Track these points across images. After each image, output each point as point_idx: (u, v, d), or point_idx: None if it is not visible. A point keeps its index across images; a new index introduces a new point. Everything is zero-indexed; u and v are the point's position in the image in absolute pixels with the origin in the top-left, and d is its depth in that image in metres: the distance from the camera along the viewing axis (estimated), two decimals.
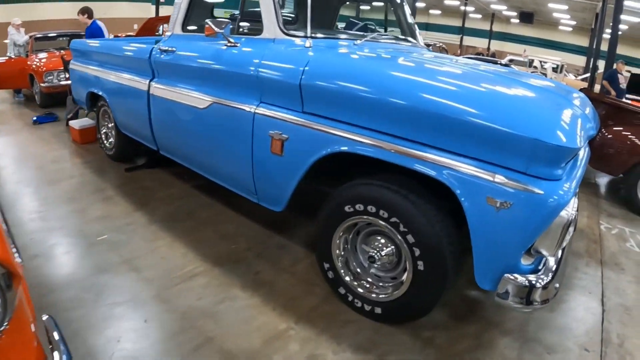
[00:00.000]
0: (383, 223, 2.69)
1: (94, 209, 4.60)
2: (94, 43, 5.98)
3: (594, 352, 3.13)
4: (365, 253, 3.03)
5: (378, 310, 2.97)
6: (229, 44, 3.50)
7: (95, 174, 5.65)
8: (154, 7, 18.25)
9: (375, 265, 3.01)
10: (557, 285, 2.42)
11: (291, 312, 3.16)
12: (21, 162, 6.22)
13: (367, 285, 3.04)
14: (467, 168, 2.28)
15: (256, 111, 3.22)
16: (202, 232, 4.20)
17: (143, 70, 4.59)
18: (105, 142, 6.20)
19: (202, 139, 3.90)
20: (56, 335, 1.77)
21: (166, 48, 4.18)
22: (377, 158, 2.60)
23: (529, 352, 3.00)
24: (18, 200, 4.79)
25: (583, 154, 3.14)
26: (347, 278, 3.09)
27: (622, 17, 15.86)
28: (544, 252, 2.35)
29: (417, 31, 4.62)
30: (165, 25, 8.66)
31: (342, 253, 3.09)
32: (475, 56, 19.89)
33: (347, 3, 5.31)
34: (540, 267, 2.40)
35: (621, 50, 25.64)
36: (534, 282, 2.28)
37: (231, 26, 3.53)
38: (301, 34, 3.29)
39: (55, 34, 11.50)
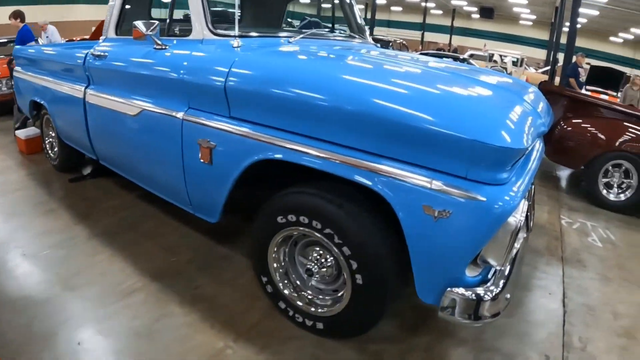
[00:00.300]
0: (318, 235, 2.48)
1: (35, 224, 4.33)
2: (34, 49, 5.69)
3: (555, 358, 2.98)
4: (303, 265, 2.82)
5: (320, 325, 2.78)
6: (157, 47, 3.27)
7: (39, 186, 5.36)
8: None
9: (315, 278, 2.82)
10: (508, 296, 2.24)
11: (230, 329, 2.95)
12: None
13: (308, 300, 2.85)
14: (400, 174, 2.08)
15: (184, 118, 3.01)
16: (144, 244, 3.98)
17: (79, 77, 4.34)
18: (50, 152, 5.92)
19: (135, 148, 3.69)
20: None
21: (99, 53, 3.95)
22: (305, 165, 2.41)
23: None
24: None
25: (537, 149, 2.98)
26: (287, 291, 2.89)
27: (581, 10, 16.06)
28: (492, 262, 2.15)
29: (366, 28, 4.45)
30: None
31: (281, 265, 2.89)
32: (435, 52, 19.94)
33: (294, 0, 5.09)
34: (489, 277, 2.22)
35: (581, 43, 26.04)
36: (481, 295, 2.09)
37: (162, 27, 3.33)
38: (233, 33, 3.07)
39: (5, 40, 10.98)
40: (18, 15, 7.53)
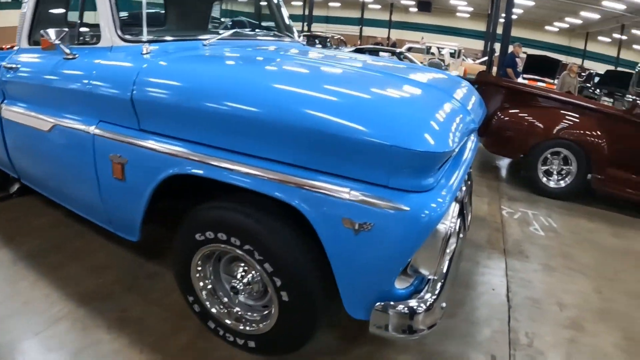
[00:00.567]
0: (238, 251, 2.31)
1: None
2: None
3: (502, 357, 2.91)
4: (229, 282, 2.65)
5: (251, 343, 2.62)
6: (67, 57, 3.03)
7: None
8: None
9: (242, 295, 2.65)
10: (444, 304, 2.13)
11: (160, 353, 2.76)
12: None
13: (237, 318, 2.68)
14: (316, 186, 1.93)
15: (95, 132, 2.80)
16: (70, 266, 3.71)
17: None
18: None
19: (52, 166, 3.46)
20: None
21: (10, 65, 3.67)
22: (217, 180, 2.25)
23: None
24: None
25: (470, 146, 2.88)
26: (214, 310, 2.72)
27: (517, 1, 16.38)
28: (423, 272, 2.03)
29: (292, 25, 4.29)
30: None
31: (207, 283, 2.71)
32: (372, 46, 19.98)
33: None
34: (422, 287, 2.09)
35: (518, 33, 26.58)
36: (414, 308, 1.97)
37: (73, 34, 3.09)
38: (146, 38, 2.86)
39: None
40: None
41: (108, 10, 2.89)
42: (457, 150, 2.07)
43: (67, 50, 3.02)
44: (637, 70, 7.44)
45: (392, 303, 1.96)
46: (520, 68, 13.65)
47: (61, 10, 4.27)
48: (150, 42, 2.83)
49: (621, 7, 24.79)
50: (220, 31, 3.51)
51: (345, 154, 1.84)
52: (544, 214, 5.42)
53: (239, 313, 2.68)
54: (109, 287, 3.43)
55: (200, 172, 2.27)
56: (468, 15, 39.38)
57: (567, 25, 37.07)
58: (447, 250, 2.20)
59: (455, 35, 37.99)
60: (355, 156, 1.82)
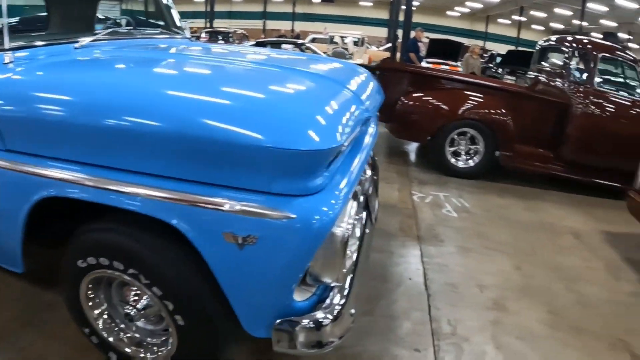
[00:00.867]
0: (125, 277, 2.05)
1: None
2: None
3: (426, 350, 2.81)
4: (123, 308, 2.38)
5: None
6: None
7: None
8: None
9: (139, 322, 2.38)
10: (353, 311, 1.97)
11: None
12: None
13: (137, 345, 2.42)
14: (189, 199, 1.70)
15: None
16: None
17: None
18: None
19: None
20: None
21: None
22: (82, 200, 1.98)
23: None
24: None
25: (370, 132, 2.72)
26: (112, 339, 2.43)
27: None
28: (325, 280, 1.84)
29: (180, 20, 4.00)
30: None
31: (102, 311, 2.42)
32: (275, 39, 19.76)
33: None
34: (326, 295, 1.92)
35: (420, 18, 27.04)
36: (320, 320, 1.79)
37: None
38: (9, 45, 2.50)
39: None
40: None
41: None
42: (347, 143, 1.88)
43: None
44: (537, 48, 7.59)
45: (294, 318, 1.77)
46: (423, 52, 13.80)
47: None
48: (16, 48, 2.49)
49: None
50: (97, 32, 3.19)
51: (220, 161, 1.62)
52: (456, 195, 5.42)
53: (139, 339, 2.42)
54: (7, 325, 3.03)
55: (73, 192, 1.99)
56: (371, 4, 39.85)
57: (468, 10, 38.24)
58: (349, 252, 2.02)
59: (359, 24, 38.29)
60: (230, 162, 1.61)
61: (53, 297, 3.30)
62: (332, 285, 1.94)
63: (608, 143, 6.08)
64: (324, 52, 15.92)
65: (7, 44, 2.44)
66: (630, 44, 29.05)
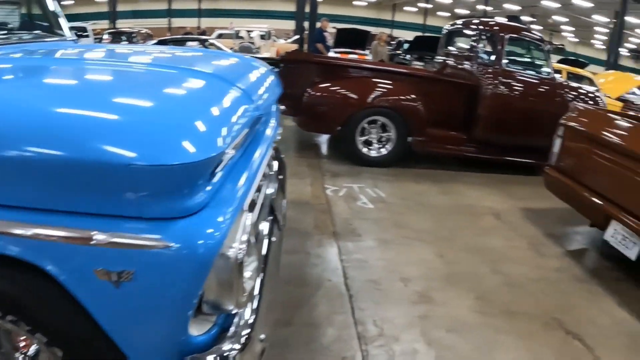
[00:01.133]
0: (7, 325, 1.69)
1: None
2: None
3: (354, 357, 2.63)
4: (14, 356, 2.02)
5: None
6: None
7: None
8: None
9: None
10: (263, 336, 1.74)
11: None
12: None
13: None
14: (49, 232, 1.38)
15: None
16: None
17: None
18: None
19: None
20: None
21: None
22: None
23: None
24: None
25: (269, 131, 2.45)
26: None
27: None
28: (224, 307, 1.56)
29: (64, 21, 3.57)
30: None
31: None
32: (181, 37, 19.12)
33: None
34: (229, 323, 1.65)
35: (328, 10, 27.00)
36: (226, 353, 1.53)
37: None
38: None
39: None
40: None
41: None
42: (233, 149, 1.60)
43: None
44: (443, 33, 7.59)
45: (197, 355, 1.50)
46: (330, 42, 13.69)
47: None
48: None
49: None
50: None
51: (81, 184, 1.32)
52: (371, 186, 5.27)
53: None
54: None
55: None
56: None
57: None
58: (251, 269, 1.74)
59: (267, 17, 37.99)
60: (92, 185, 1.31)
61: None
62: (235, 311, 1.66)
63: (518, 121, 6.21)
64: (231, 48, 15.55)
65: None
66: (533, 26, 30.20)
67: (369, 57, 13.68)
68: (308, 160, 6.05)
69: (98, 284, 1.37)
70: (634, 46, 39.26)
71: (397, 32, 37.43)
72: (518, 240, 4.51)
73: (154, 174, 1.26)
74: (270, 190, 2.45)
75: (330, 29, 14.30)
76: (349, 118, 5.80)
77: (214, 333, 1.61)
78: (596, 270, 4.25)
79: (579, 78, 12.42)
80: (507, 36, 6.26)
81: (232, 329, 1.63)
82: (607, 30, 30.14)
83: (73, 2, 33.15)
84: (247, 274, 1.61)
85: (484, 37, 6.63)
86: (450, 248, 4.05)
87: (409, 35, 19.81)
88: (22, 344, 1.94)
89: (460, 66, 6.83)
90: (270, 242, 2.24)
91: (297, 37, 20.83)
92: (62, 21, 3.54)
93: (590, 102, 7.14)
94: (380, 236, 4.07)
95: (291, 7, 37.11)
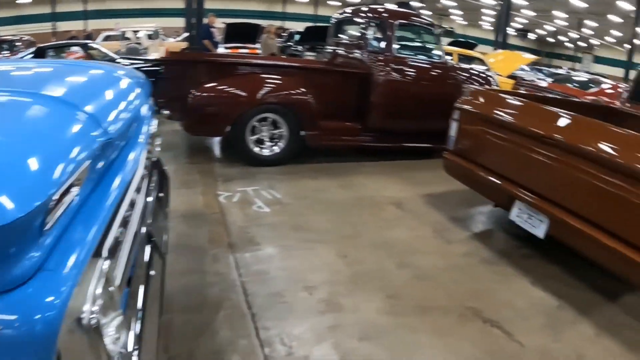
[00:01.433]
0: None
1: None
2: None
3: None
4: None
5: None
6: None
7: None
8: None
9: None
10: None
11: None
12: None
13: None
14: None
15: None
16: None
17: None
18: None
19: None
20: None
21: None
22: None
23: None
24: None
25: (133, 155, 2.05)
26: None
27: None
28: None
29: None
30: None
31: None
32: (62, 42, 17.91)
33: None
34: None
35: (218, 4, 26.34)
36: None
37: None
38: None
39: None
40: None
41: None
42: (74, 185, 1.23)
43: None
44: (332, 22, 7.40)
45: None
46: (218, 38, 13.27)
47: None
48: None
49: None
50: None
51: None
52: (266, 187, 4.97)
53: None
54: None
55: None
56: None
57: None
58: (115, 329, 1.38)
59: (156, 16, 36.52)
60: None
61: None
62: None
63: (413, 106, 6.21)
64: (117, 51, 14.70)
65: None
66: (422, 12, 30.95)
67: (260, 51, 13.37)
68: (199, 167, 5.62)
69: None
70: (520, 25, 41.27)
71: (289, 24, 37.31)
72: (422, 228, 4.41)
73: None
74: (145, 215, 2.08)
75: (220, 24, 13.87)
76: (238, 118, 5.45)
77: None
78: (505, 250, 4.22)
79: (470, 59, 12.77)
80: (396, 22, 6.19)
81: None
82: (494, 12, 31.32)
83: None
84: (110, 334, 1.26)
85: (373, 24, 6.52)
86: (353, 246, 3.86)
87: (301, 27, 19.62)
88: None
89: (351, 55, 6.70)
90: (149, 278, 1.89)
91: (186, 34, 20.19)
92: None
93: (483, 82, 7.29)
94: (280, 242, 3.80)
95: (180, 4, 36.17)
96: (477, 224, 4.86)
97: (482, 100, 4.32)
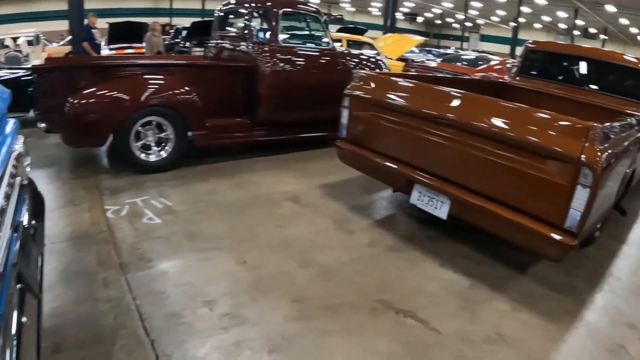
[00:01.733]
0: None
1: None
2: None
3: None
4: None
5: None
6: None
7: None
8: None
9: None
10: None
11: None
12: None
13: None
14: None
15: None
16: None
17: None
18: None
19: None
20: None
21: None
22: None
23: None
24: None
25: None
26: None
27: None
28: None
29: None
30: None
31: None
32: None
33: None
34: None
35: (98, 4, 25.12)
36: None
37: None
38: None
39: None
40: None
41: None
42: None
43: None
44: (216, 15, 7.09)
45: None
46: (99, 40, 12.59)
47: None
48: None
49: None
50: None
51: None
52: (155, 196, 4.61)
53: None
54: None
55: None
56: None
57: None
58: None
59: (38, 20, 34.64)
60: None
61: None
62: None
63: (303, 96, 6.12)
64: None
65: None
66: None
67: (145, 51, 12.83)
68: (84, 181, 5.06)
69: None
70: (407, 9, 42.30)
71: (177, 20, 36.42)
72: (322, 222, 4.29)
73: None
74: (11, 252, 1.74)
75: (105, 24, 13.22)
76: (120, 124, 5.01)
77: None
78: (409, 235, 4.19)
79: (360, 44, 12.82)
80: (280, 11, 6.02)
81: None
82: None
83: None
84: None
85: (257, 14, 6.35)
86: (252, 250, 3.66)
87: (190, 22, 19.05)
88: None
89: (237, 48, 6.45)
90: (21, 327, 1.58)
91: (70, 37, 19.18)
92: None
93: (373, 67, 7.28)
94: (173, 256, 3.51)
95: (63, 5, 34.27)
96: (378, 211, 4.78)
97: (371, 85, 4.22)
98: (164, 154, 5.29)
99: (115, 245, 3.63)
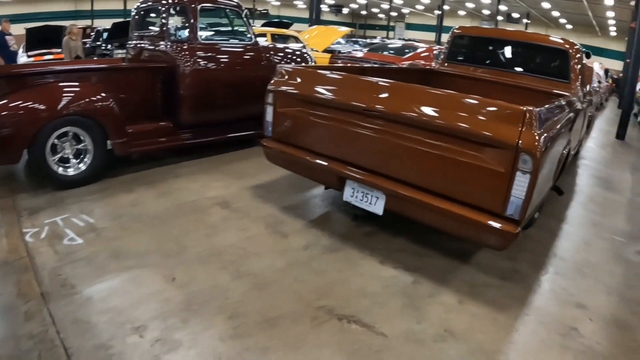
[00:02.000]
0: None
1: None
2: None
3: None
4: None
5: None
6: None
7: None
8: None
9: None
10: None
11: None
12: None
13: None
14: None
15: None
16: None
17: None
18: None
19: None
20: None
21: None
22: None
23: None
24: None
25: None
26: None
27: None
28: None
29: None
30: None
31: None
32: None
33: None
34: None
35: (13, 10, 23.97)
36: None
37: None
38: None
39: None
40: None
41: None
42: None
43: None
44: (132, 14, 6.69)
45: None
46: (15, 47, 11.95)
47: None
48: None
49: None
50: None
51: None
52: (76, 213, 4.26)
53: None
54: None
55: None
56: None
57: None
58: None
59: None
60: None
61: None
62: None
63: (226, 95, 5.96)
64: None
65: None
66: None
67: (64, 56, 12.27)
68: (0, 203, 4.59)
69: None
70: (332, 1, 42.36)
71: (99, 22, 35.34)
72: (254, 227, 4.11)
73: None
74: None
75: (22, 30, 12.60)
76: (33, 138, 4.59)
77: None
78: (346, 234, 4.08)
79: (285, 38, 12.67)
80: (198, 7, 5.76)
81: None
82: None
83: None
84: None
85: (174, 11, 6.01)
86: (181, 264, 3.43)
87: (111, 23, 18.38)
88: None
89: (156, 48, 6.13)
90: None
91: None
92: None
93: (299, 60, 7.12)
94: (97, 279, 3.22)
95: None
96: (311, 210, 4.63)
97: (295, 79, 4.04)
98: (83, 166, 4.91)
99: (36, 272, 3.29)
